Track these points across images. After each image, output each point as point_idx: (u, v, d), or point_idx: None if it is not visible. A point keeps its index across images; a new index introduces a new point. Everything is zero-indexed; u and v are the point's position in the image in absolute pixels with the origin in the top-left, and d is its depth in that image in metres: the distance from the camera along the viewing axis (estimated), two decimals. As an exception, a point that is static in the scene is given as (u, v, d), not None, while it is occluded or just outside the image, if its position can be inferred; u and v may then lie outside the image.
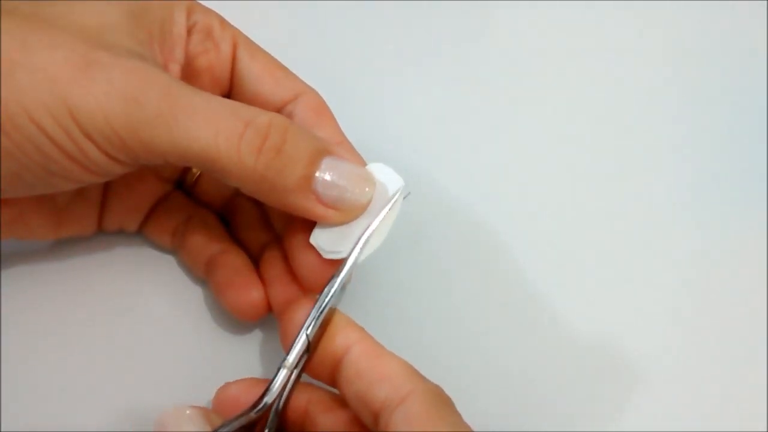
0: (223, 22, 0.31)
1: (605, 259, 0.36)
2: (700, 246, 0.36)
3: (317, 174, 0.27)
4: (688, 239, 0.37)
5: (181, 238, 0.33)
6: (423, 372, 0.26)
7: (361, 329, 0.27)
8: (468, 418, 0.26)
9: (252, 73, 0.31)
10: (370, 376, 0.26)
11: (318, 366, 0.27)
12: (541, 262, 0.35)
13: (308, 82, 0.32)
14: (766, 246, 0.36)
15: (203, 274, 0.32)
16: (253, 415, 0.26)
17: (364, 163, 0.30)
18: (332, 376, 0.27)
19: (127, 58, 0.26)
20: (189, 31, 0.30)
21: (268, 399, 0.27)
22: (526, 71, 0.41)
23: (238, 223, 0.33)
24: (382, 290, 0.34)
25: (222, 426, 0.26)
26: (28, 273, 0.33)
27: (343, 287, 0.27)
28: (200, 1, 0.32)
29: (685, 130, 0.40)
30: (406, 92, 0.40)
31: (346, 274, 0.28)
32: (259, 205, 0.33)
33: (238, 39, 0.31)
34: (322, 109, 0.31)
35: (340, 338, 0.27)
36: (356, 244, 0.28)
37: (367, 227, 0.28)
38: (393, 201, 0.28)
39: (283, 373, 0.27)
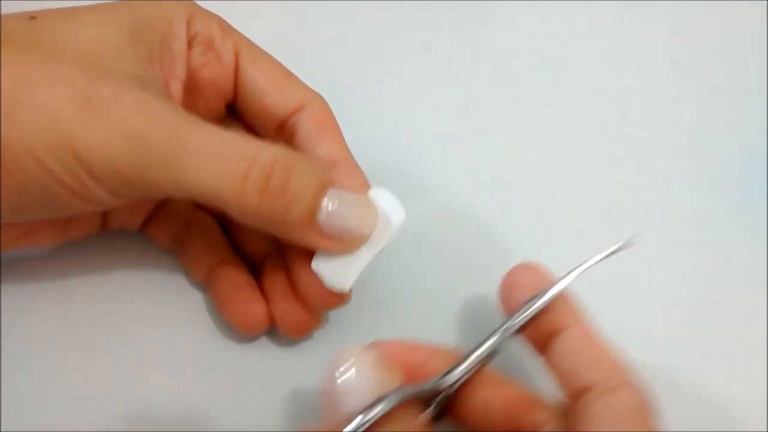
0: (224, 28, 0.31)
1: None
2: (700, 247, 0.37)
3: (321, 207, 0.27)
4: (688, 240, 0.37)
5: (180, 244, 0.33)
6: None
7: (585, 316, 0.28)
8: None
9: (256, 83, 0.31)
10: (585, 357, 0.26)
11: (533, 331, 0.28)
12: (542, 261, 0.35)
13: (305, 81, 0.32)
14: (767, 247, 0.36)
15: (202, 283, 0.32)
16: (428, 388, 0.27)
17: (366, 184, 0.30)
18: (543, 345, 0.28)
19: (129, 90, 0.26)
20: (190, 43, 0.30)
21: (453, 377, 0.27)
22: (525, 71, 0.41)
23: (239, 229, 0.33)
24: (382, 289, 0.34)
25: (397, 391, 0.25)
26: (28, 272, 0.33)
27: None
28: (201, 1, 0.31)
29: (685, 130, 0.40)
30: (406, 92, 0.40)
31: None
32: None
33: (240, 46, 0.31)
34: (326, 121, 0.31)
35: (562, 314, 0.27)
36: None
37: (369, 259, 0.28)
38: (395, 231, 0.29)
39: (471, 359, 0.27)
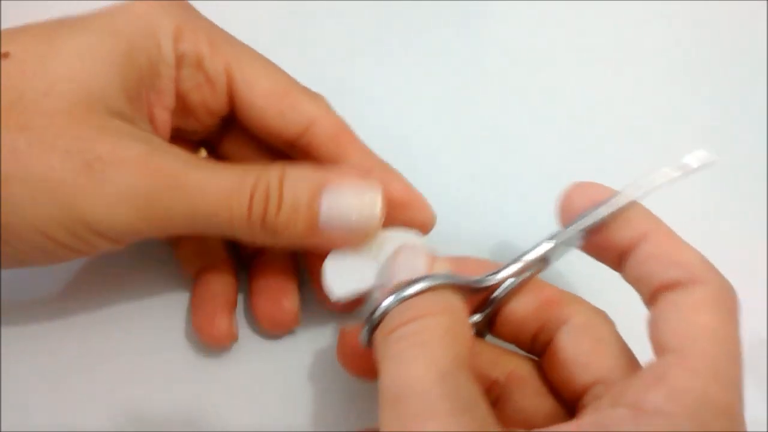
0: (213, 41, 0.30)
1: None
2: (700, 247, 0.36)
3: (320, 211, 0.28)
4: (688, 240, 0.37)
5: (177, 242, 0.33)
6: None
7: (660, 220, 0.27)
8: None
9: (254, 107, 0.30)
10: (665, 259, 0.25)
11: (606, 245, 0.27)
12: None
13: (302, 80, 0.31)
14: (767, 248, 0.36)
15: (192, 280, 0.33)
16: (476, 284, 0.26)
17: (403, 180, 0.30)
18: (617, 258, 0.27)
19: (127, 147, 0.26)
20: (178, 63, 0.29)
21: (499, 276, 0.26)
22: (525, 72, 0.41)
23: None
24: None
25: (443, 275, 0.25)
26: (28, 275, 0.33)
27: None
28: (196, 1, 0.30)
29: (686, 130, 0.40)
30: (406, 91, 0.40)
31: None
32: None
33: (231, 65, 0.30)
34: (339, 133, 0.31)
35: (638, 223, 0.26)
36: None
37: (373, 281, 0.28)
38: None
39: (544, 246, 0.27)
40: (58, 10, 0.41)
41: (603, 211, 0.26)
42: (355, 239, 0.28)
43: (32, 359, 0.32)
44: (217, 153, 0.34)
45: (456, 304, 0.25)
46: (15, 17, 0.39)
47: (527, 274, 0.27)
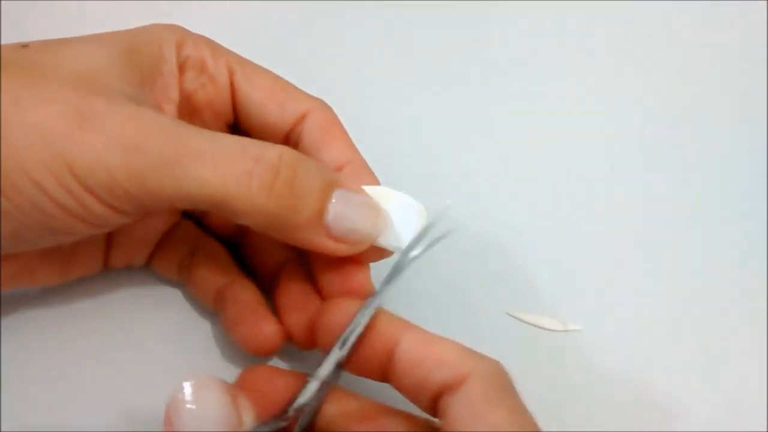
0: (215, 50, 0.30)
1: (606, 262, 0.36)
2: (701, 251, 0.36)
3: (328, 208, 0.27)
4: (689, 243, 0.37)
5: (187, 271, 0.32)
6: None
7: (407, 322, 0.26)
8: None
9: (254, 100, 0.30)
10: (426, 363, 0.25)
11: (366, 363, 0.26)
12: (541, 263, 0.35)
13: (301, 86, 0.31)
14: (767, 250, 0.36)
15: (213, 308, 0.31)
16: (286, 417, 0.26)
17: (377, 181, 0.30)
18: (381, 372, 0.26)
19: (123, 104, 0.25)
20: (181, 68, 0.30)
21: (301, 401, 0.26)
22: (525, 75, 0.41)
23: (250, 246, 0.32)
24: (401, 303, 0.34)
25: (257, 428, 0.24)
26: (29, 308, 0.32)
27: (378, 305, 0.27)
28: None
29: (686, 131, 0.40)
30: (406, 96, 0.40)
31: (386, 289, 0.27)
32: None
33: (233, 66, 0.30)
34: (330, 125, 0.30)
35: (388, 333, 0.26)
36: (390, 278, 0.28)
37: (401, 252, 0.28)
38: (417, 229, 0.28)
39: (313, 384, 0.26)
40: (58, 10, 0.41)
41: (354, 328, 0.26)
42: (351, 248, 0.28)
43: (32, 359, 0.31)
44: None
45: None
46: (15, 17, 0.40)
47: (323, 391, 0.26)
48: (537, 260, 0.35)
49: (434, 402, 0.25)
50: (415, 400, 0.26)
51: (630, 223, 0.37)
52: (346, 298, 0.28)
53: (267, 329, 0.30)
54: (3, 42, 0.27)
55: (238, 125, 0.32)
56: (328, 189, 0.27)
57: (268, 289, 0.31)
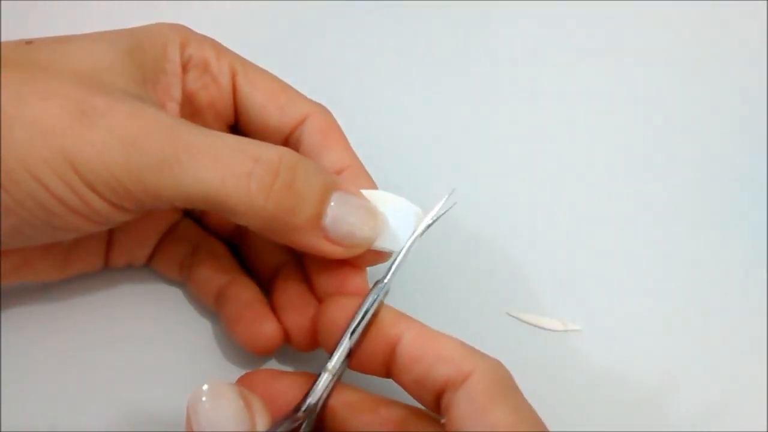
0: (218, 50, 0.30)
1: (606, 262, 0.36)
2: (701, 251, 0.37)
3: (326, 211, 0.27)
4: (689, 243, 0.37)
5: (188, 270, 0.32)
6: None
7: (410, 317, 0.27)
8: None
9: (255, 103, 0.30)
10: (427, 359, 0.25)
11: (368, 358, 0.27)
12: (541, 263, 0.35)
13: (302, 86, 0.31)
14: (767, 250, 0.36)
15: (214, 307, 0.31)
16: (297, 417, 0.26)
17: (374, 186, 0.30)
18: (384, 367, 0.27)
19: (124, 101, 0.26)
20: (185, 68, 0.30)
21: (312, 401, 0.26)
22: (526, 75, 0.41)
23: (249, 246, 0.32)
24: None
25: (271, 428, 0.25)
26: (29, 286, 0.32)
27: (385, 293, 0.27)
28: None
29: (686, 131, 0.40)
30: (406, 95, 0.40)
31: (389, 281, 0.27)
32: None
33: (236, 67, 0.30)
34: (329, 129, 0.31)
35: (390, 328, 0.26)
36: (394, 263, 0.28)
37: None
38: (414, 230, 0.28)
39: (325, 378, 0.26)
40: (58, 10, 0.41)
41: (362, 317, 0.26)
42: (347, 251, 0.28)
43: (32, 359, 0.31)
44: None
45: None
46: (15, 17, 0.40)
47: (330, 387, 0.27)
48: (537, 260, 0.35)
49: (437, 398, 0.25)
50: (418, 396, 0.26)
51: (630, 223, 0.37)
52: (346, 296, 0.28)
53: (267, 328, 0.30)
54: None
55: (238, 126, 0.32)
56: (327, 191, 0.27)
57: (267, 288, 0.31)
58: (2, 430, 0.30)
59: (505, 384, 0.25)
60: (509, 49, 0.42)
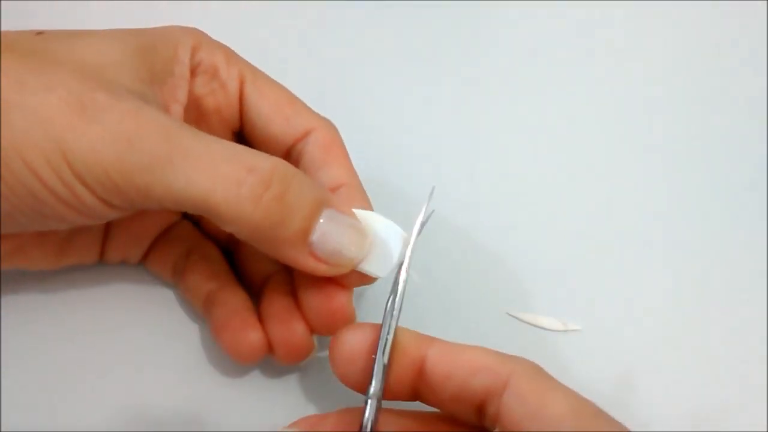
0: (229, 57, 0.31)
1: (606, 262, 0.36)
2: (701, 251, 0.36)
3: (315, 227, 0.27)
4: (689, 243, 0.37)
5: (180, 273, 0.32)
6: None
7: (429, 336, 0.27)
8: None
9: (261, 112, 0.30)
10: (461, 373, 0.25)
11: (396, 384, 0.26)
12: (541, 263, 0.35)
13: (302, 86, 0.31)
14: (767, 251, 0.36)
15: (202, 312, 0.31)
16: None
17: (369, 206, 0.30)
18: (413, 390, 0.27)
19: (126, 99, 0.26)
20: (193, 71, 0.30)
21: (366, 425, 0.26)
22: (525, 75, 0.41)
23: (243, 253, 0.32)
24: (381, 295, 0.34)
25: None
26: (30, 277, 0.32)
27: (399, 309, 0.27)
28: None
29: (685, 131, 0.40)
30: (406, 95, 0.40)
31: (402, 294, 0.27)
32: None
33: (245, 75, 0.30)
34: (332, 145, 0.31)
35: (414, 349, 0.26)
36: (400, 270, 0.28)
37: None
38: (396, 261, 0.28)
39: (371, 405, 0.26)
40: (58, 10, 0.41)
41: (386, 334, 0.26)
42: (332, 269, 0.28)
43: (32, 359, 0.32)
44: None
45: None
46: (15, 17, 0.40)
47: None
48: (537, 260, 0.35)
49: (478, 411, 0.25)
50: (455, 411, 0.26)
51: (631, 223, 0.37)
52: (355, 324, 0.28)
53: (252, 337, 0.29)
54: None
55: (243, 134, 0.32)
56: (317, 207, 0.27)
57: (257, 296, 0.31)
58: (2, 429, 0.30)
59: (546, 377, 0.25)
60: (509, 49, 0.42)
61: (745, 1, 0.44)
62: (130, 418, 0.31)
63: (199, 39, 0.30)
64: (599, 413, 0.24)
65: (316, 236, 0.27)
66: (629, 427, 0.31)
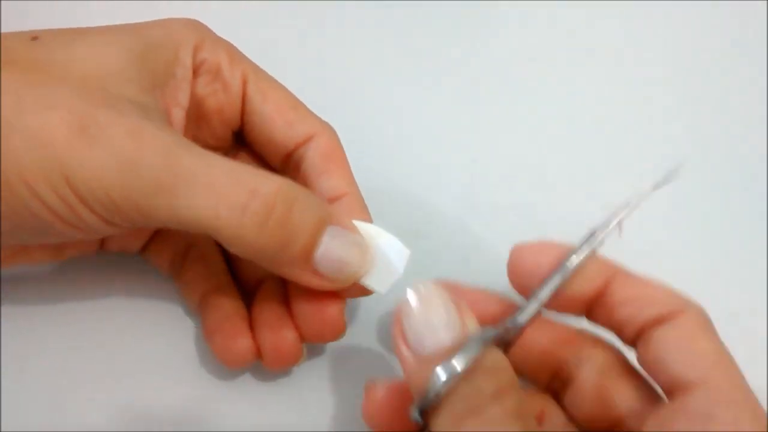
0: (232, 56, 0.30)
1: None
2: (701, 251, 0.37)
3: (318, 245, 0.27)
4: (689, 243, 0.37)
5: (178, 269, 0.32)
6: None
7: (617, 265, 0.27)
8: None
9: (263, 114, 0.30)
10: (637, 302, 0.25)
11: (572, 300, 0.26)
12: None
13: (302, 86, 0.31)
14: (767, 248, 0.36)
15: (196, 310, 0.31)
16: (507, 327, 0.26)
17: (369, 217, 0.30)
18: (586, 308, 0.27)
19: (127, 116, 0.25)
20: (196, 71, 0.30)
21: (520, 319, 0.26)
22: (525, 75, 0.41)
23: (237, 257, 0.31)
24: (376, 305, 0.33)
25: (475, 335, 0.24)
26: (30, 275, 0.33)
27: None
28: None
29: (685, 131, 0.40)
30: (406, 95, 0.40)
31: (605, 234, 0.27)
32: None
33: (248, 75, 0.30)
34: (333, 153, 0.30)
35: (601, 272, 0.26)
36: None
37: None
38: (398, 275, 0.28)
39: (534, 304, 0.26)
40: (57, 11, 0.41)
41: (566, 272, 0.26)
42: (335, 285, 0.28)
43: (32, 359, 0.32)
44: None
45: (508, 370, 0.24)
46: (15, 17, 0.40)
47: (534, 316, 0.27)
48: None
49: (638, 334, 0.25)
50: (616, 330, 0.26)
51: (631, 223, 0.37)
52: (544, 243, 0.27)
53: (241, 344, 0.29)
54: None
55: (243, 134, 0.32)
56: (321, 226, 0.27)
57: (250, 296, 0.31)
58: (2, 430, 0.30)
59: (710, 327, 0.25)
60: (509, 49, 0.42)
61: (745, 1, 0.44)
62: (130, 418, 0.31)
63: (201, 36, 0.30)
64: (736, 371, 0.25)
65: (319, 254, 0.27)
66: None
